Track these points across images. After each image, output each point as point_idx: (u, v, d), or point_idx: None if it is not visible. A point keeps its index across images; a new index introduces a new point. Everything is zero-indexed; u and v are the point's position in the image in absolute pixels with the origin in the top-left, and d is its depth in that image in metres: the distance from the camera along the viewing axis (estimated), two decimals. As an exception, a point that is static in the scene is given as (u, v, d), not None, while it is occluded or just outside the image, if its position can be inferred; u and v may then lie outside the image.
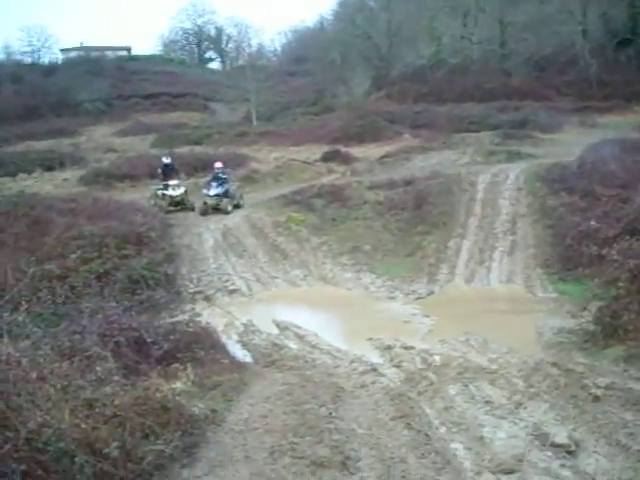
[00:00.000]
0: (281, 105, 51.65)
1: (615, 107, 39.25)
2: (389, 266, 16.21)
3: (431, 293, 14.53)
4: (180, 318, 11.88)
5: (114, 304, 10.89)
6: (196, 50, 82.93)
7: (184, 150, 33.96)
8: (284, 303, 14.31)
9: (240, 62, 74.91)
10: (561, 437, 6.10)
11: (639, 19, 46.07)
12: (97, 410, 5.38)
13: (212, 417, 6.49)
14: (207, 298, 14.66)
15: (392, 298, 14.34)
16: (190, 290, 15.08)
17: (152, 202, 22.10)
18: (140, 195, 23.79)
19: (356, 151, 31.64)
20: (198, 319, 10.87)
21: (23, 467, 4.60)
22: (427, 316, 12.78)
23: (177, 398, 6.19)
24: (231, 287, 15.23)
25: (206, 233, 18.42)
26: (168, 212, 20.72)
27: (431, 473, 5.47)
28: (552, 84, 45.35)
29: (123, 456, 5.15)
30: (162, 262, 15.48)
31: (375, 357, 10.24)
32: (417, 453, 5.86)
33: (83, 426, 5.02)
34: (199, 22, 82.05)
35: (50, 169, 32.93)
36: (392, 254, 16.92)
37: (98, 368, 6.18)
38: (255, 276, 15.80)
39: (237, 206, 20.95)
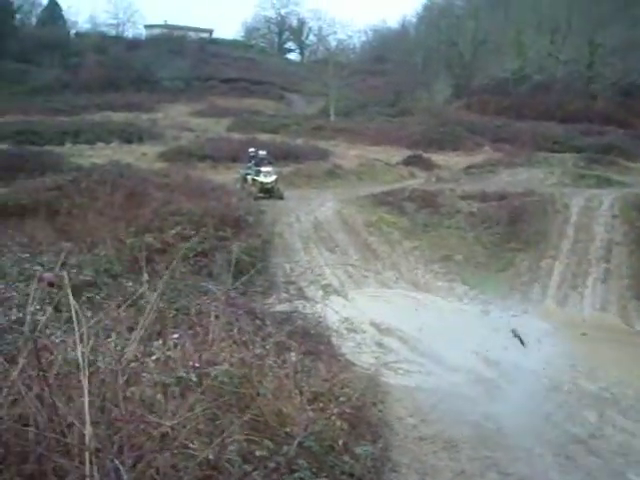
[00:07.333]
0: (358, 103, 51.49)
1: (701, 143, 38.12)
2: (481, 279, 16.03)
3: (525, 312, 14.33)
4: (282, 307, 11.92)
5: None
6: (276, 39, 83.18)
7: (264, 138, 34.21)
8: (380, 303, 14.16)
9: (318, 56, 75.03)
10: None
11: None
12: (322, 404, 5.22)
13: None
14: (300, 289, 14.66)
15: (486, 312, 14.18)
16: (283, 280, 15.13)
17: (238, 186, 22.20)
18: (221, 177, 23.96)
19: (436, 158, 31.50)
20: (309, 311, 10.84)
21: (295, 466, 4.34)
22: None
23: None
24: (323, 282, 15.22)
25: (296, 224, 18.45)
26: (257, 198, 20.78)
27: None
28: (637, 111, 44.31)
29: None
30: (259, 248, 15.57)
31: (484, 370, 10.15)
32: None
33: (338, 422, 4.82)
34: (282, 12, 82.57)
35: (128, 141, 33.62)
36: (484, 267, 16.71)
37: (291, 356, 6.09)
38: (347, 273, 15.75)
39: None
